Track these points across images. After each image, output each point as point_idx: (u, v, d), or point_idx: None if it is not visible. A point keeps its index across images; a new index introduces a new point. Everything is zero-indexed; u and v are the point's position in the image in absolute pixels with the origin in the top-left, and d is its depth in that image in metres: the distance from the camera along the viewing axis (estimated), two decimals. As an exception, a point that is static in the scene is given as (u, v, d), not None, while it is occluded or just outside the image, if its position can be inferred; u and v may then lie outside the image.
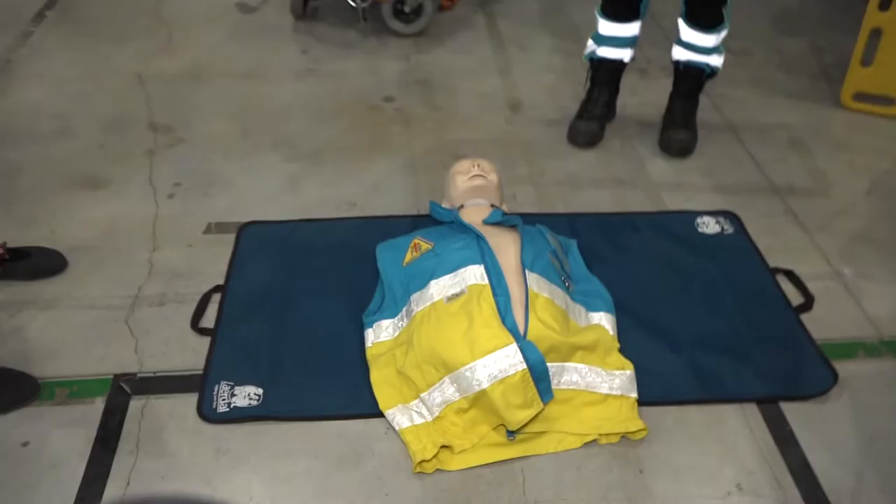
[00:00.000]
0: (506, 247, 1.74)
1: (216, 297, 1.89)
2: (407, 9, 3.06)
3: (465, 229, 1.80)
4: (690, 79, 2.42)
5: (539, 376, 1.50)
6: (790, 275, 1.93)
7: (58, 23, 3.18)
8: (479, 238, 1.74)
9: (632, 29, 2.38)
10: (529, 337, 1.54)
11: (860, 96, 2.66)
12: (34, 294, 1.91)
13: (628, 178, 2.32)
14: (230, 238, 2.08)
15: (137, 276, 1.97)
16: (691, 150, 2.42)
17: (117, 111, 2.64)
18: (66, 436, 1.57)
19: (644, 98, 2.70)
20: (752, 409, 1.59)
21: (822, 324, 1.80)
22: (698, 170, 2.36)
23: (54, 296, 1.91)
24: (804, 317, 1.81)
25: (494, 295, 1.60)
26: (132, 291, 1.92)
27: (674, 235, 2.05)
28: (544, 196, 2.24)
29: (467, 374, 1.50)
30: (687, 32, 2.34)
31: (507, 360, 1.49)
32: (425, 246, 1.80)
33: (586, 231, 2.06)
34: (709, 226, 2.09)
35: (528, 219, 1.98)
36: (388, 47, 3.07)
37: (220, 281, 1.94)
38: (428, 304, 1.65)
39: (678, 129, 2.43)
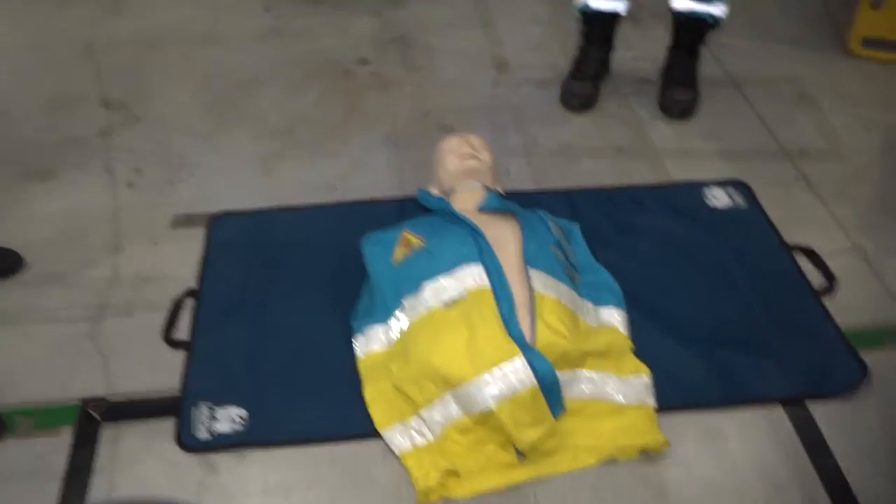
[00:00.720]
0: (505, 240, 1.59)
1: (189, 303, 1.73)
2: (377, -43, 2.80)
3: (459, 221, 1.64)
4: (691, 31, 2.22)
5: (549, 389, 1.37)
6: (810, 253, 1.80)
7: (-9, -16, 2.87)
8: (475, 232, 1.58)
9: (627, -23, 2.17)
10: (537, 345, 1.40)
11: (870, 42, 2.48)
12: (-10, 305, 1.73)
13: (628, 145, 2.15)
14: (200, 232, 1.90)
15: (101, 282, 1.79)
16: (694, 110, 2.25)
17: (65, 86, 2.40)
18: (31, 475, 1.43)
19: (639, 51, 2.51)
20: (777, 411, 1.48)
21: (845, 308, 1.67)
22: (702, 133, 2.19)
23: (12, 307, 1.73)
24: (826, 300, 1.69)
25: (497, 299, 1.46)
26: (96, 300, 1.75)
27: (681, 211, 1.90)
28: (539, 169, 2.08)
29: (471, 390, 1.37)
30: (687, -21, 2.14)
31: (515, 374, 1.36)
32: (416, 242, 1.64)
33: (587, 209, 1.91)
34: (718, 198, 1.94)
35: (525, 199, 1.83)
36: (357, 2, 2.81)
37: (192, 283, 1.77)
38: (423, 310, 1.50)
39: (679, 88, 2.25)
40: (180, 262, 1.83)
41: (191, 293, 1.75)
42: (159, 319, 1.69)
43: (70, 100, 2.34)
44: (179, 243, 1.88)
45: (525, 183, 2.03)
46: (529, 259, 1.53)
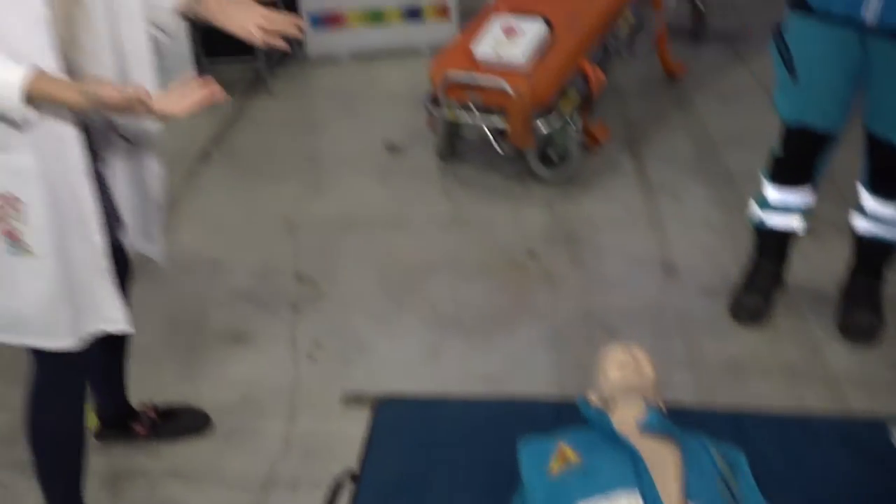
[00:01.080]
0: (665, 467, 1.54)
1: (349, 482, 1.81)
2: (553, 155, 3.00)
3: (618, 441, 1.62)
4: (875, 254, 2.16)
5: None
6: None
7: (221, 162, 3.36)
8: (634, 456, 1.56)
9: (805, 196, 2.17)
10: (695, 593, 1.32)
11: None
12: (176, 462, 1.92)
13: (802, 367, 2.07)
14: (366, 412, 2.01)
15: (273, 451, 1.94)
16: (877, 335, 2.13)
17: (266, 259, 2.71)
18: None
19: (816, 264, 2.44)
20: None
21: None
22: (888, 361, 2.07)
23: (193, 465, 1.91)
24: None
25: (653, 533, 1.41)
26: (267, 469, 1.88)
27: (863, 450, 1.75)
28: (704, 385, 2.03)
29: None
30: (870, 201, 2.11)
31: None
32: (572, 457, 1.63)
33: (755, 436, 1.80)
34: (907, 441, 1.78)
35: (687, 417, 1.77)
36: (531, 193, 3.00)
37: (353, 462, 1.86)
38: (576, 533, 1.48)
39: (861, 310, 2.15)
40: (345, 440, 1.92)
41: (351, 476, 1.83)
42: (320, 496, 1.78)
43: (269, 271, 2.64)
44: (347, 421, 1.99)
45: (688, 396, 1.99)
46: (691, 492, 1.48)
